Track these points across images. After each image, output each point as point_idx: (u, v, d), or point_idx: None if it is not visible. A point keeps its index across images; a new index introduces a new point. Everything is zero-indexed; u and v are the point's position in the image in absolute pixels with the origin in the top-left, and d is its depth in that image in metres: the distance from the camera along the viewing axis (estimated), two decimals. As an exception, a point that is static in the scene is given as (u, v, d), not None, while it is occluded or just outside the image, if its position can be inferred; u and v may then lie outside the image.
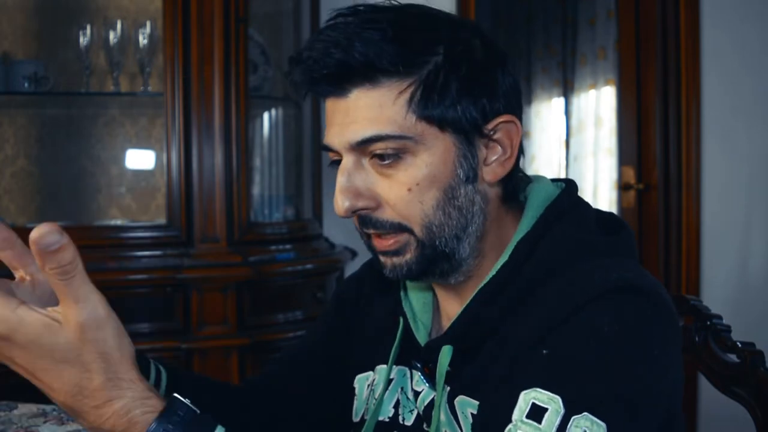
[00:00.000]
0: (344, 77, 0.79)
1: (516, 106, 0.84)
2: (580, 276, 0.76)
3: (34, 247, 0.59)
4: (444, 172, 0.80)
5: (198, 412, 0.67)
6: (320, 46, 0.78)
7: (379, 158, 0.79)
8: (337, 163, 0.83)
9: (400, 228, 0.81)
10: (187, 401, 0.67)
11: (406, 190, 0.79)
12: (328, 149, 0.83)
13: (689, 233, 2.71)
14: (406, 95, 0.78)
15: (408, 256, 0.82)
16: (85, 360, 0.63)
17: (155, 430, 0.64)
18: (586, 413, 0.67)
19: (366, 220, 0.82)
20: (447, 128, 0.80)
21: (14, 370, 0.65)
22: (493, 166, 0.83)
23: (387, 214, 0.81)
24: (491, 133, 0.82)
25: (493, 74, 0.82)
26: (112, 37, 2.32)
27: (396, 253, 0.82)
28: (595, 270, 0.76)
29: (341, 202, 0.80)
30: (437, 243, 0.81)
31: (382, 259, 0.84)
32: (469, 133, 0.81)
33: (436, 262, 0.82)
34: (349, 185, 0.81)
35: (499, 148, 0.83)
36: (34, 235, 0.59)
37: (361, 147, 0.79)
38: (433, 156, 0.80)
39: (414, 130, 0.78)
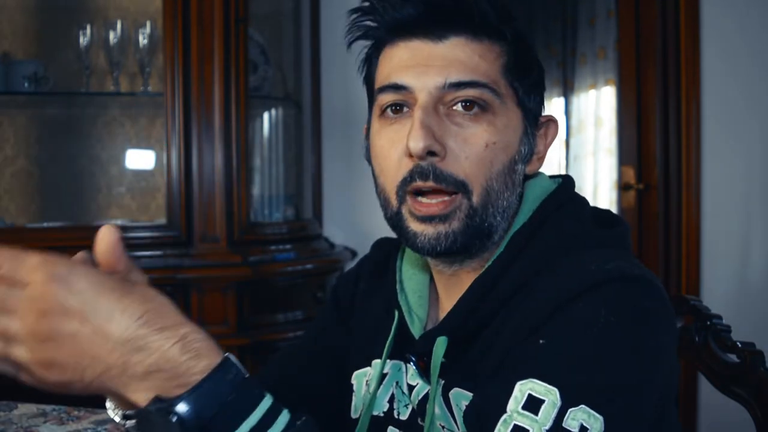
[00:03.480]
0: (455, 20, 0.80)
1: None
2: (576, 267, 0.76)
3: None
4: (514, 142, 0.82)
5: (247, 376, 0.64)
6: None
7: (464, 107, 0.79)
8: (395, 106, 0.81)
9: (460, 186, 0.79)
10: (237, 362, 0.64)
11: (483, 146, 0.79)
12: (397, 88, 0.80)
13: (689, 233, 2.71)
14: (502, 59, 0.82)
15: (455, 224, 0.79)
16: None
17: (223, 364, 0.62)
18: (583, 405, 0.66)
19: (426, 171, 0.78)
20: (521, 105, 0.83)
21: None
22: (534, 158, 0.86)
23: (452, 168, 0.78)
24: (540, 126, 0.87)
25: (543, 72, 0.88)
26: (112, 37, 2.32)
27: (444, 218, 0.79)
28: (590, 261, 0.76)
29: (421, 139, 0.76)
30: (488, 213, 0.80)
31: (421, 227, 0.80)
32: (532, 118, 0.85)
33: (478, 237, 0.81)
34: (429, 123, 0.78)
35: (542, 142, 0.87)
36: None
37: (450, 91, 0.79)
38: (509, 122, 0.82)
39: (503, 91, 0.81)
